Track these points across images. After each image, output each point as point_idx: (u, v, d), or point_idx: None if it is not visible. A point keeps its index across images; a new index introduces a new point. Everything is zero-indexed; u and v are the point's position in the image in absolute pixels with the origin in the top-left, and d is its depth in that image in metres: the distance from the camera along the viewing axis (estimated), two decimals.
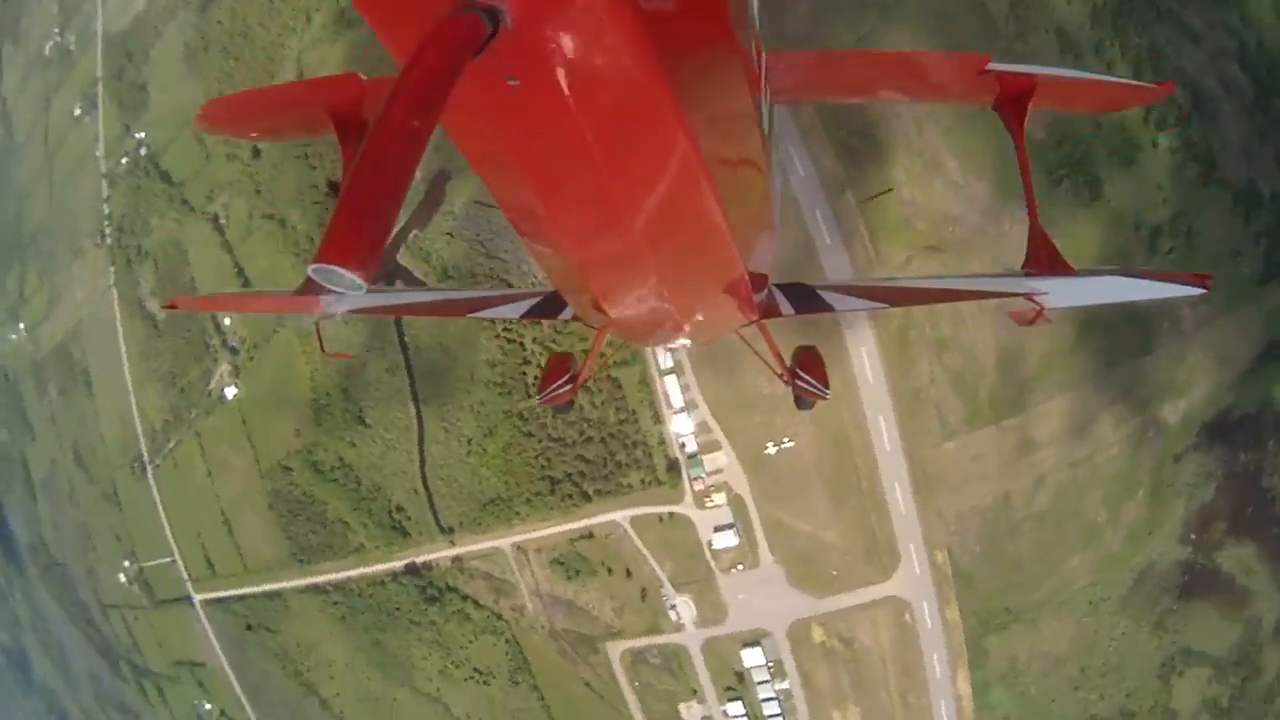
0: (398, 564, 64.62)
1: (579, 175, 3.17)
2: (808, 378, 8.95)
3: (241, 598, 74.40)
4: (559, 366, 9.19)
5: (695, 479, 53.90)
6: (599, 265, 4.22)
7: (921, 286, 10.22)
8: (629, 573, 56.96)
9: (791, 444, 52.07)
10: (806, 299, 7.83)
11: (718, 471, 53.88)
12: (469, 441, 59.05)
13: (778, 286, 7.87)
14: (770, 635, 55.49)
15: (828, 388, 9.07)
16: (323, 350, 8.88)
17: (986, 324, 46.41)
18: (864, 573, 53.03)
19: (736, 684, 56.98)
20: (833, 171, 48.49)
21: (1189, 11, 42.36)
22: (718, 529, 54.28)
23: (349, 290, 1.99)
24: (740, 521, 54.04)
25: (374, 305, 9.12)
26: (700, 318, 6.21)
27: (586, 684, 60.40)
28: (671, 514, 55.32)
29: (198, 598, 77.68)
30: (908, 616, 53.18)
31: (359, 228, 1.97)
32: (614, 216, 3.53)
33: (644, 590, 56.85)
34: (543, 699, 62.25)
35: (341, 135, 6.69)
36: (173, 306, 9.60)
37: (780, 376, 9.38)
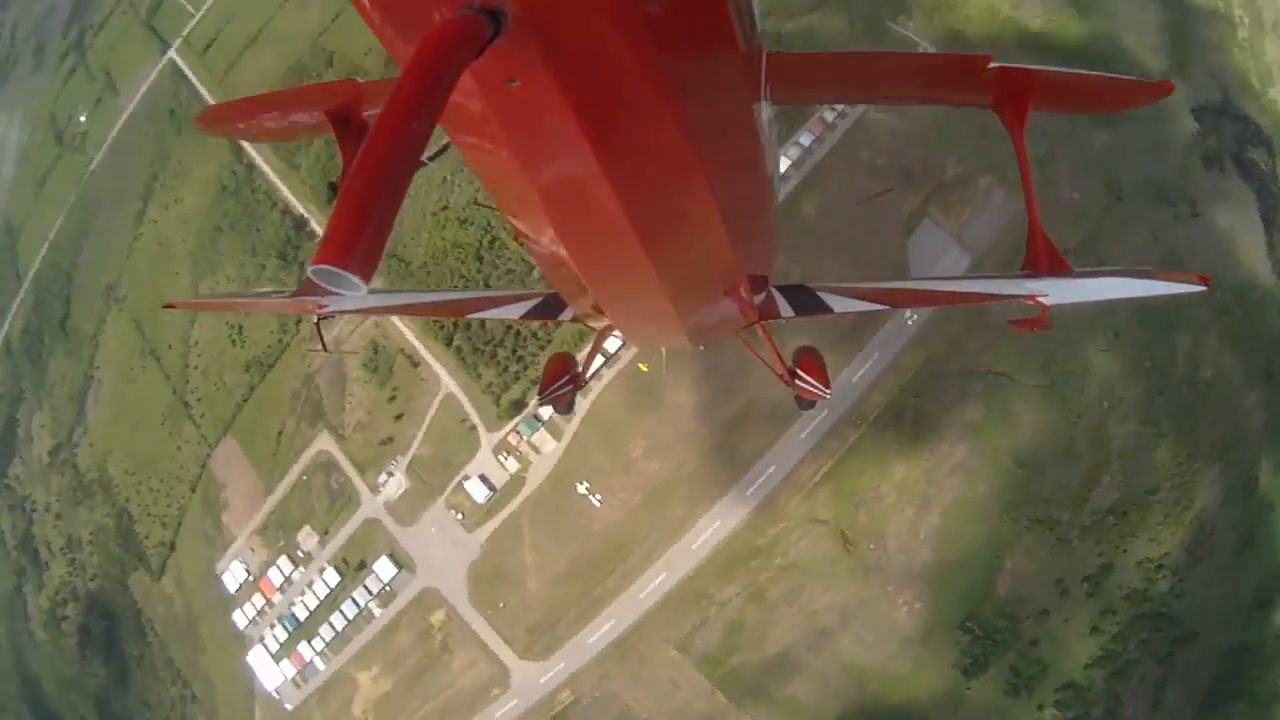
0: None
1: (579, 177, 3.16)
2: (808, 378, 9.02)
3: None
4: (559, 367, 9.35)
5: (516, 433, 52.04)
6: (598, 268, 4.25)
7: (922, 289, 10.17)
8: (400, 416, 54.94)
9: (599, 503, 50.74)
10: (806, 300, 7.84)
11: (535, 450, 52.13)
12: None
13: (777, 288, 7.83)
14: (412, 579, 54.32)
15: (828, 388, 9.11)
16: (324, 349, 8.54)
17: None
18: (517, 633, 52.19)
19: (351, 568, 55.65)
20: None
21: None
22: (482, 478, 52.59)
23: (349, 291, 1.96)
24: (503, 500, 52.42)
25: (374, 306, 9.02)
26: (700, 319, 6.22)
27: (279, 433, 58.41)
28: (473, 428, 53.38)
29: None
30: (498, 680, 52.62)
31: (358, 229, 1.93)
32: (612, 218, 3.47)
33: (390, 439, 54.88)
34: (243, 403, 60.24)
35: (340, 137, 6.44)
36: (171, 307, 9.65)
37: (780, 377, 9.39)
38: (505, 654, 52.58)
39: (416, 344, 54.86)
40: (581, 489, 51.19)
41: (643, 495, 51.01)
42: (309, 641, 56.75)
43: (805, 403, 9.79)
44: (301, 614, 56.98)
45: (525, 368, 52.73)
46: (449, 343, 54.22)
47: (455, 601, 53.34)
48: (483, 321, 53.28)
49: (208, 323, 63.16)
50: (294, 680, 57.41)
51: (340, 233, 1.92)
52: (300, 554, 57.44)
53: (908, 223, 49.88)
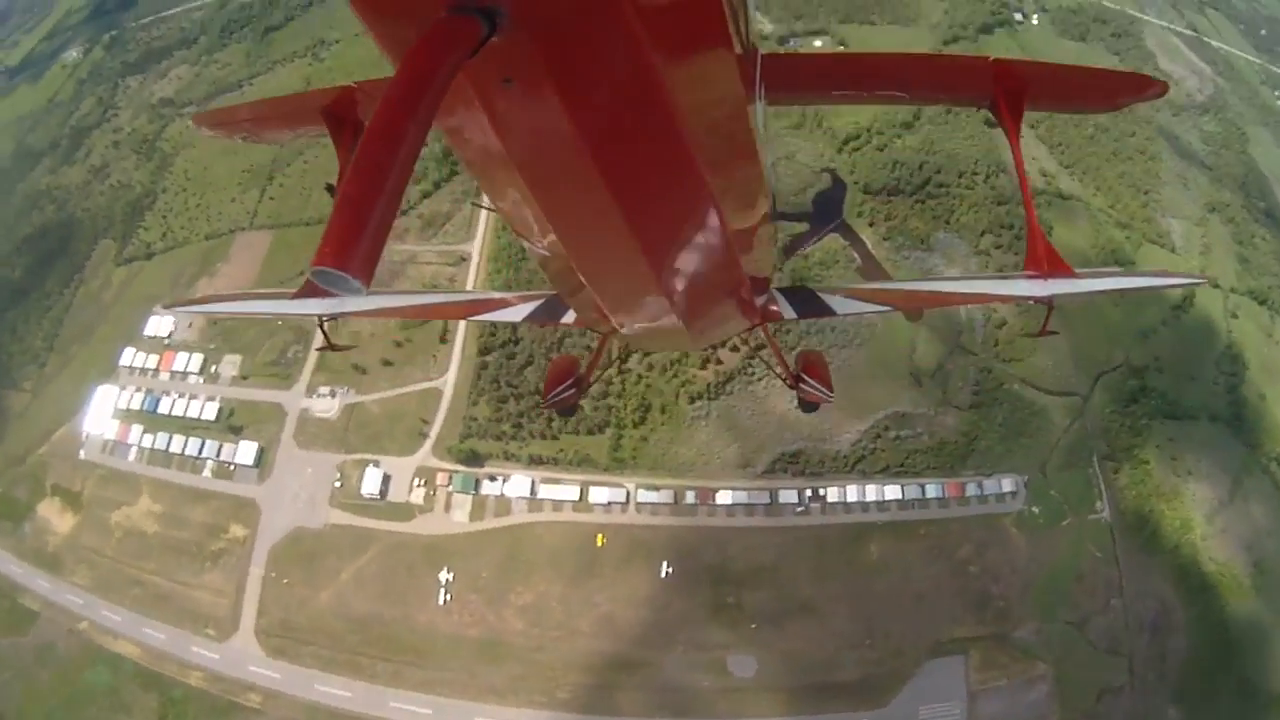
0: None
1: (574, 177, 3.11)
2: (812, 381, 9.19)
3: None
4: (563, 370, 9.36)
5: (448, 475, 47.47)
6: (596, 268, 4.19)
7: (923, 289, 10.22)
8: (389, 364, 51.33)
9: (443, 601, 45.37)
10: (808, 302, 7.84)
11: (445, 507, 47.31)
12: None
13: (779, 290, 7.80)
14: (254, 485, 50.04)
15: (832, 391, 9.17)
16: (332, 348, 7.79)
17: None
18: (272, 614, 47.00)
19: (224, 421, 52.34)
20: None
21: None
22: (385, 478, 48.18)
23: (349, 292, 1.95)
24: (379, 511, 47.87)
25: (375, 307, 8.95)
26: (702, 321, 6.17)
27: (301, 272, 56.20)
28: (424, 435, 49.32)
29: None
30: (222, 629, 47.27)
31: (356, 230, 1.92)
32: (610, 218, 3.40)
33: (363, 371, 51.32)
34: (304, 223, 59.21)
35: (337, 139, 6.20)
36: (170, 309, 9.30)
37: (784, 380, 9.62)
38: (248, 618, 47.31)
39: (460, 327, 51.21)
40: (443, 576, 45.81)
41: (482, 636, 45.26)
42: (144, 430, 53.06)
43: (809, 406, 9.86)
44: (164, 408, 53.60)
45: (513, 438, 48.27)
46: (483, 352, 50.32)
47: (260, 539, 48.49)
48: (522, 366, 49.44)
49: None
50: (106, 442, 53.89)
51: (339, 235, 1.89)
52: (213, 370, 54.22)
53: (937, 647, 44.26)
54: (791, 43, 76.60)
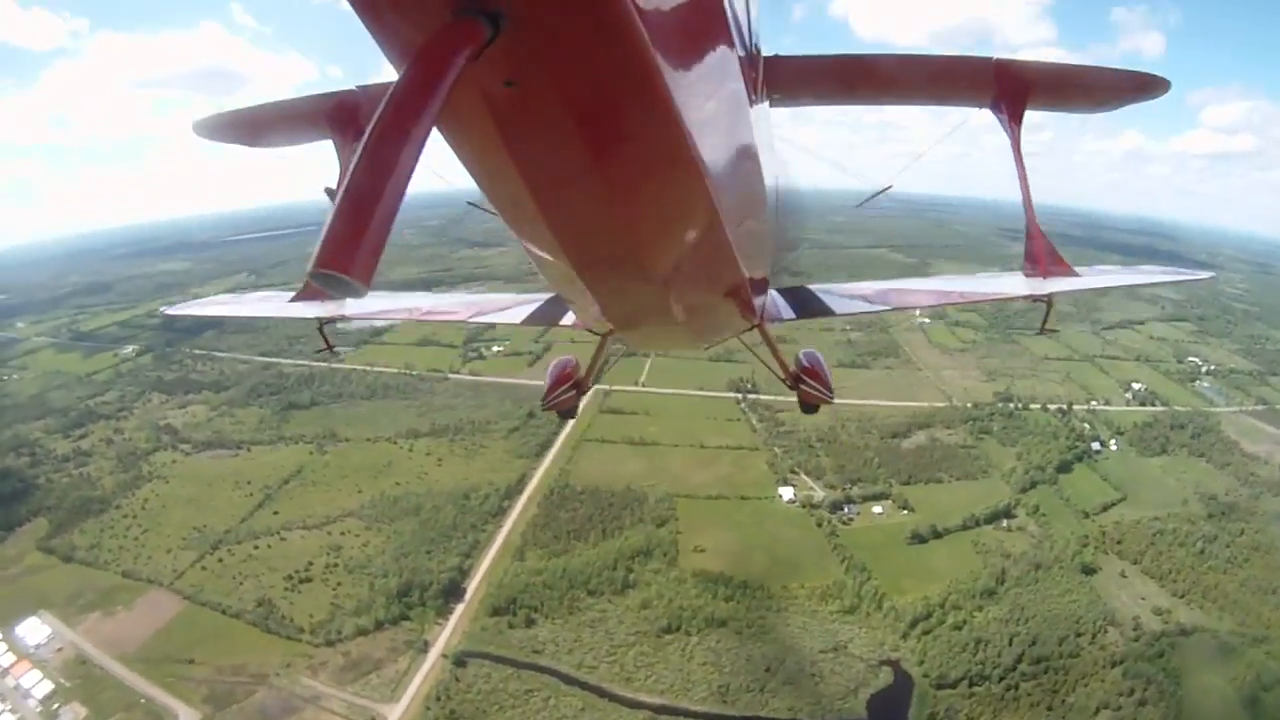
0: None
1: (576, 179, 3.16)
2: (812, 382, 9.07)
3: None
4: (562, 372, 9.10)
5: None
6: (597, 270, 4.21)
7: (923, 289, 10.03)
8: None
9: None
10: (807, 302, 7.93)
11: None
12: None
13: (778, 291, 7.83)
14: None
15: (832, 392, 9.16)
16: (330, 349, 8.52)
17: None
18: None
19: None
20: None
21: None
22: None
23: (349, 295, 2.00)
24: None
25: (375, 310, 9.03)
26: (702, 322, 6.30)
27: None
28: None
29: None
30: None
31: (356, 233, 1.96)
32: (611, 220, 3.51)
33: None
34: None
35: (338, 142, 6.94)
36: (170, 310, 9.53)
37: (784, 380, 9.33)
38: None
39: None
40: None
41: None
42: None
43: (809, 406, 9.57)
44: None
45: None
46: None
47: None
48: None
49: None
50: None
51: (339, 237, 1.93)
52: (53, 708, 54.42)
53: None
54: (846, 509, 74.32)
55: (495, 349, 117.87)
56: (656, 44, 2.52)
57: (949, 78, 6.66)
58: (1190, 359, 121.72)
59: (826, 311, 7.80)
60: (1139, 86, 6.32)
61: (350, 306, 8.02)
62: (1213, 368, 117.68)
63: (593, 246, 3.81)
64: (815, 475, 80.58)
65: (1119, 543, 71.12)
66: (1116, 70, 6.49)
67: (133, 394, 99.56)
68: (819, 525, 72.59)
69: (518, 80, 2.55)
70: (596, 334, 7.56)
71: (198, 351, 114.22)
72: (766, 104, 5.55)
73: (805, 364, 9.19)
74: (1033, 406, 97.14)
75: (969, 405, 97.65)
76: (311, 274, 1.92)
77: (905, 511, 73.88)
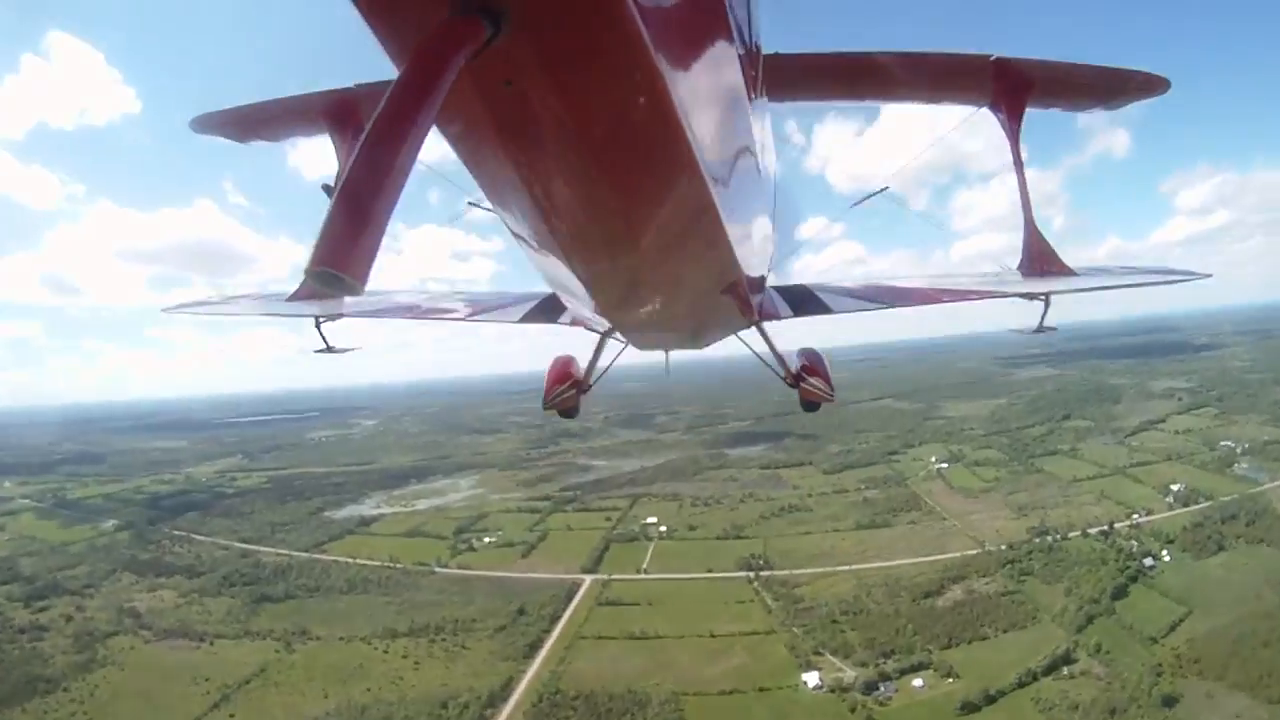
0: None
1: (575, 179, 3.15)
2: (813, 380, 9.04)
3: None
4: (562, 372, 9.14)
5: None
6: (596, 269, 4.14)
7: (921, 288, 9.45)
8: None
9: None
10: (805, 301, 7.76)
11: None
12: None
13: (776, 289, 7.70)
14: None
15: (833, 389, 9.11)
16: (330, 349, 8.29)
17: None
18: None
19: None
20: None
21: None
22: None
23: (346, 293, 1.98)
24: None
25: (373, 309, 9.06)
26: (701, 320, 6.29)
27: None
28: None
29: None
30: None
31: (353, 231, 1.95)
32: (611, 219, 3.49)
33: None
34: None
35: (336, 140, 6.92)
36: (169, 310, 9.65)
37: (784, 379, 9.22)
38: None
39: None
40: None
41: None
42: None
43: (809, 404, 9.54)
44: None
45: None
46: None
47: None
48: None
49: None
50: None
51: (336, 235, 1.92)
52: None
53: None
54: (882, 688, 67.16)
55: (487, 540, 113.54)
56: (657, 43, 2.53)
57: (948, 75, 6.88)
58: (1223, 443, 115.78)
59: (824, 309, 7.94)
60: (1140, 85, 6.60)
61: (347, 305, 8.12)
62: (1246, 446, 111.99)
63: (592, 245, 3.85)
64: (843, 654, 74.12)
65: (1197, 661, 64.61)
66: (1118, 69, 6.71)
67: (103, 570, 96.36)
68: (852, 711, 65.46)
69: (518, 80, 2.58)
70: (595, 332, 7.70)
71: (177, 532, 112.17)
72: (766, 101, 5.78)
73: (805, 362, 9.50)
74: (1072, 535, 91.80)
75: (1003, 547, 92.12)
76: (309, 272, 1.93)
77: (950, 680, 67.09)
